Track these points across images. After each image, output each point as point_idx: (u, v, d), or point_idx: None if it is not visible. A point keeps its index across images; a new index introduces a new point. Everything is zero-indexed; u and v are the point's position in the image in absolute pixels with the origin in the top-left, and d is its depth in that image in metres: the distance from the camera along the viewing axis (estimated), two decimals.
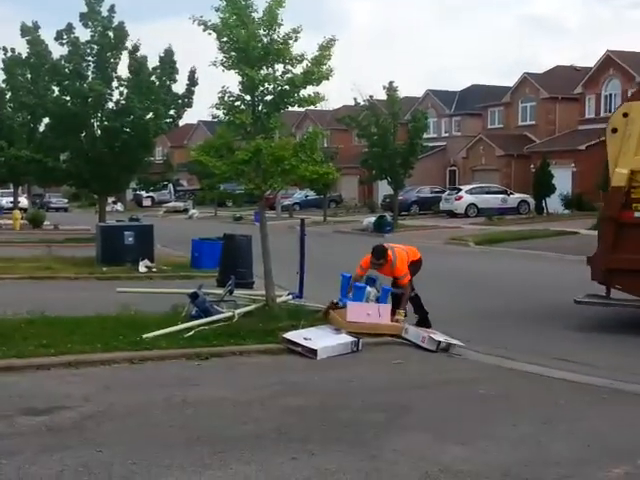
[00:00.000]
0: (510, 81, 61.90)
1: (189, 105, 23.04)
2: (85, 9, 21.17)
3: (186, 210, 51.89)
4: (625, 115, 10.62)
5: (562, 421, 6.35)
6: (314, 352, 8.46)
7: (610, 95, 43.34)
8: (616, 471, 5.16)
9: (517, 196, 42.03)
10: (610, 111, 43.14)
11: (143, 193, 57.05)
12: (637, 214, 10.29)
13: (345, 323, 9.42)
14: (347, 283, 10.15)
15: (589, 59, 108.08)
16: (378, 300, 9.94)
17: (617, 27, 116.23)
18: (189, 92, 22.97)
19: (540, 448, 5.66)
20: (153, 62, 22.16)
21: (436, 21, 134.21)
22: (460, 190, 42.52)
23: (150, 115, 21.52)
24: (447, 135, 55.25)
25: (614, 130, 10.69)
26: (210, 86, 11.09)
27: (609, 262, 10.54)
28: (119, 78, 21.85)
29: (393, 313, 9.68)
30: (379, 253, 10.02)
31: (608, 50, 43.34)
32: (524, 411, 6.67)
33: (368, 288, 9.96)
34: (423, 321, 10.19)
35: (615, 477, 5.09)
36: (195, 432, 5.86)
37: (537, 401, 7.06)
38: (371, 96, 37.02)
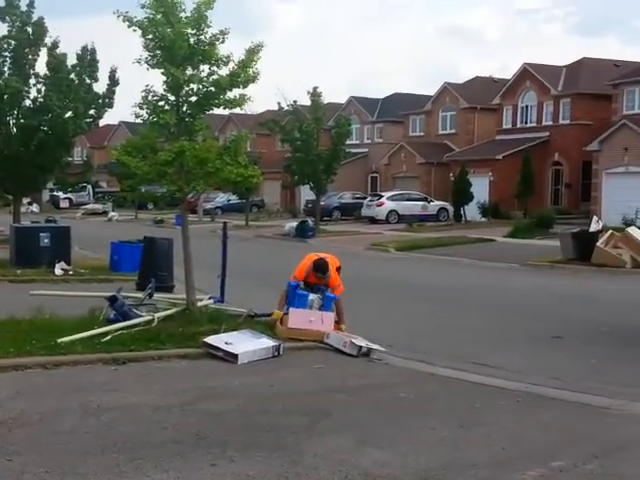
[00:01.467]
0: (431, 90, 63.05)
1: (110, 105, 22.60)
2: (3, 3, 20.52)
3: (105, 212, 50.82)
4: None
5: (479, 424, 6.47)
6: (235, 357, 8.38)
7: (526, 107, 44.69)
8: (531, 473, 5.28)
9: (437, 203, 42.81)
10: (526, 122, 44.57)
11: (60, 194, 55.72)
12: None
13: (285, 330, 9.39)
14: (294, 292, 9.93)
15: (507, 71, 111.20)
16: (321, 308, 9.87)
17: (534, 40, 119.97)
18: (110, 92, 22.53)
19: (458, 451, 5.75)
20: (74, 59, 21.66)
21: (360, 28, 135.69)
22: (381, 197, 43.04)
23: (69, 114, 21.01)
24: (369, 142, 55.85)
25: None
26: (133, 86, 10.89)
27: None
28: (37, 75, 21.23)
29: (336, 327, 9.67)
30: (324, 267, 9.90)
31: (525, 63, 44.66)
32: (442, 415, 6.76)
33: (311, 296, 9.88)
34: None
35: (530, 479, 5.20)
36: (111, 439, 5.72)
37: (455, 405, 7.17)
38: (295, 101, 37.13)
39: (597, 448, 5.84)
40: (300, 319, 9.54)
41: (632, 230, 20.55)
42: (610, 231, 21.05)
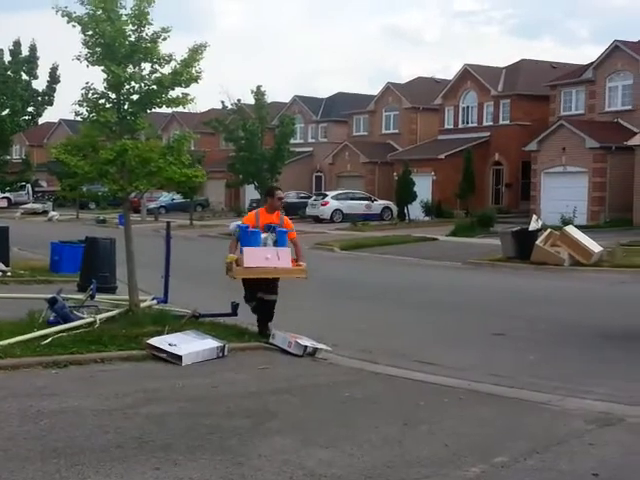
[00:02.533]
0: (374, 90, 63.48)
1: (50, 103, 22.13)
2: None
3: (45, 212, 49.79)
4: None
5: (422, 422, 6.54)
6: (179, 358, 8.30)
7: (467, 107, 45.40)
8: (473, 470, 5.36)
9: (381, 202, 43.14)
10: (468, 123, 45.25)
11: None
12: None
13: (242, 270, 9.12)
14: (245, 233, 9.55)
15: (449, 71, 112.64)
16: (276, 244, 9.52)
17: (473, 42, 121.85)
18: (50, 89, 22.06)
19: (402, 449, 5.80)
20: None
21: (303, 27, 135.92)
22: (326, 196, 43.20)
23: (6, 112, 20.52)
24: (314, 141, 55.96)
25: None
26: (74, 83, 10.69)
27: None
28: None
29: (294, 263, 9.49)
30: (274, 189, 10.10)
31: (465, 64, 45.36)
32: (387, 413, 6.81)
33: (263, 234, 9.53)
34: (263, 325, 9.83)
35: (473, 476, 5.28)
36: (51, 444, 5.60)
37: (399, 403, 7.24)
38: (239, 100, 36.98)
39: (537, 443, 5.96)
40: (256, 257, 9.16)
41: (570, 229, 21.03)
42: (549, 230, 21.51)
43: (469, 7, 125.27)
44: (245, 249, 9.33)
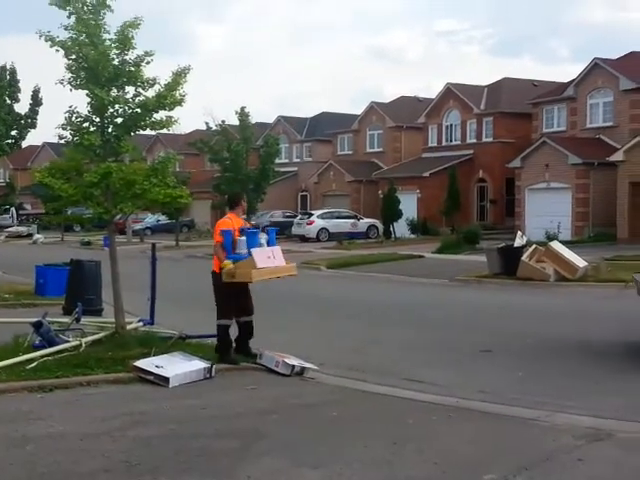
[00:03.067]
0: (358, 109, 63.86)
1: (33, 126, 22.26)
2: None
3: (30, 235, 49.54)
4: None
5: (411, 440, 6.53)
6: (166, 380, 8.26)
7: (451, 125, 45.73)
8: None
9: (366, 221, 43.23)
10: (451, 140, 45.56)
11: None
12: None
13: (256, 272, 8.98)
14: (230, 238, 9.35)
15: (431, 90, 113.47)
16: (268, 243, 9.50)
17: (455, 61, 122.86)
18: (33, 112, 22.11)
19: (391, 468, 5.78)
20: None
21: (286, 48, 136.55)
22: (311, 215, 43.26)
23: None
24: (298, 160, 56.12)
25: None
26: (58, 106, 10.70)
27: None
28: None
29: None
30: (239, 195, 10.13)
31: (448, 83, 45.72)
32: (375, 432, 6.80)
33: (259, 233, 9.51)
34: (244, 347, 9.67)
35: None
36: (38, 470, 5.56)
37: (388, 422, 7.22)
38: (223, 121, 37.10)
39: (526, 460, 5.96)
40: (263, 257, 9.07)
41: (554, 244, 21.13)
42: (534, 245, 21.61)
43: (450, 27, 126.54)
44: (254, 251, 9.11)
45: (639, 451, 6.36)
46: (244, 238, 9.30)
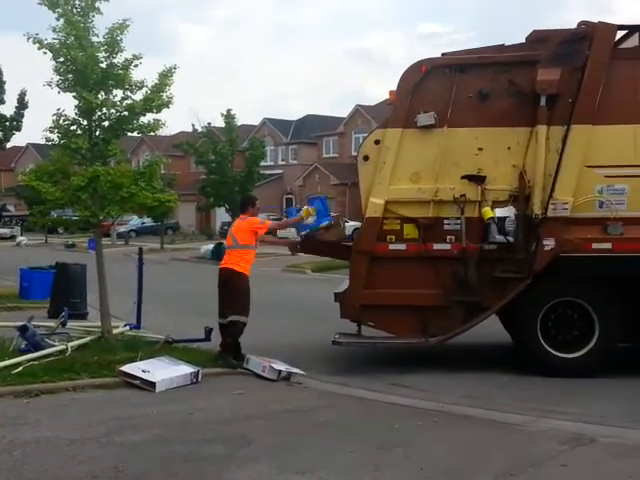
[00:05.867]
0: (343, 112, 64.04)
1: (18, 128, 22.01)
2: None
3: (13, 237, 49.24)
4: (377, 142, 9.83)
5: (397, 446, 6.57)
6: (152, 385, 8.26)
7: None
8: None
9: (352, 224, 43.05)
10: None
11: None
12: (392, 246, 9.72)
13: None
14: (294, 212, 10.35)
15: None
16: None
17: None
18: (18, 115, 21.94)
19: (377, 473, 5.82)
20: None
21: (271, 49, 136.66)
22: None
23: None
24: (284, 163, 56.20)
25: (366, 158, 9.95)
26: (44, 108, 10.68)
27: (363, 298, 9.78)
28: None
29: None
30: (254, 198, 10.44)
31: None
32: (361, 437, 6.83)
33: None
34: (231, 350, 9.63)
35: None
36: (25, 475, 5.55)
37: (374, 427, 7.26)
38: (209, 123, 37.05)
39: (511, 465, 6.02)
40: None
41: None
42: None
43: (432, 29, 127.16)
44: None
45: (622, 456, 6.43)
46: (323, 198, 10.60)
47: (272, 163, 54.60)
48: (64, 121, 9.87)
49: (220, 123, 36.17)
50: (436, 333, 9.61)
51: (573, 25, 9.80)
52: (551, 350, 9.53)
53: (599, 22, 9.54)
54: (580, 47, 9.38)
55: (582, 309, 9.52)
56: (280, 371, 9.05)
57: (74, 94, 9.68)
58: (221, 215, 44.07)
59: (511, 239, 9.35)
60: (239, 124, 37.12)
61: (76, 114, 9.86)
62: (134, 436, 6.66)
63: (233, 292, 9.51)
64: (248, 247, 9.63)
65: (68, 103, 9.93)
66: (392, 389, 8.83)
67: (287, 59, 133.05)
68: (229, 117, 35.17)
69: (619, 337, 9.56)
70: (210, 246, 32.90)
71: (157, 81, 9.94)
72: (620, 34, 9.88)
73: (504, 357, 10.71)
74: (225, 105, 49.91)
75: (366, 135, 10.82)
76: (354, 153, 51.51)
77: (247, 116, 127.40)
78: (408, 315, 9.68)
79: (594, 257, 9.28)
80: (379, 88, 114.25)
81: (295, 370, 9.24)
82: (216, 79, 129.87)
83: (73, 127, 9.90)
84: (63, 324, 10.35)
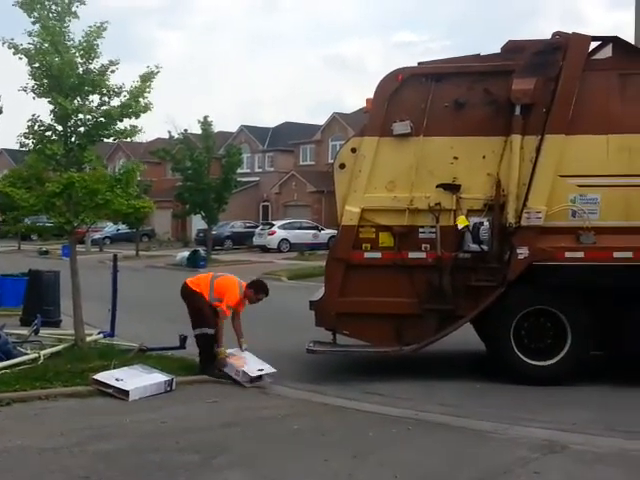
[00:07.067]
0: (320, 119, 64.20)
1: None
2: None
3: None
4: (354, 150, 9.85)
5: (372, 453, 6.59)
6: (126, 393, 8.21)
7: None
8: None
9: (328, 232, 43.24)
10: None
11: None
12: (367, 254, 9.72)
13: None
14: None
15: None
16: None
17: None
18: None
19: None
20: None
21: (248, 56, 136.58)
22: (273, 225, 43.21)
23: None
24: (260, 170, 56.15)
25: (342, 166, 9.96)
26: (19, 113, 10.59)
27: (338, 306, 9.78)
28: None
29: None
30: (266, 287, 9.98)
31: None
32: (336, 446, 6.84)
33: None
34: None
35: None
36: None
37: (348, 434, 7.27)
38: (186, 130, 36.95)
39: (484, 473, 6.06)
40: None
41: None
42: None
43: (408, 38, 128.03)
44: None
45: (593, 463, 6.49)
46: None
47: (249, 170, 54.53)
48: (39, 127, 9.82)
49: (197, 130, 36.10)
50: (410, 342, 9.65)
51: (549, 34, 9.94)
52: (524, 358, 9.59)
53: (573, 33, 9.66)
54: (554, 57, 9.50)
55: (555, 317, 9.61)
56: (252, 378, 9.08)
57: (49, 99, 9.63)
58: (197, 222, 43.88)
59: (485, 248, 9.43)
60: (216, 131, 37.07)
61: (52, 120, 9.82)
62: (107, 445, 6.62)
63: (189, 308, 9.56)
64: (218, 300, 9.46)
65: (44, 108, 9.89)
66: (366, 397, 8.84)
67: (264, 66, 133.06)
68: (206, 124, 35.10)
69: (591, 345, 9.66)
70: (186, 253, 32.74)
71: (138, 84, 9.89)
72: (594, 45, 10.01)
73: (478, 365, 10.78)
74: (202, 112, 50.00)
75: (343, 143, 10.83)
76: (331, 161, 51.55)
77: (224, 123, 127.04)
78: (383, 323, 9.71)
79: (567, 266, 9.38)
80: (356, 96, 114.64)
81: (267, 367, 9.29)
82: (193, 85, 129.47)
83: (48, 133, 9.86)
84: (36, 332, 10.26)
